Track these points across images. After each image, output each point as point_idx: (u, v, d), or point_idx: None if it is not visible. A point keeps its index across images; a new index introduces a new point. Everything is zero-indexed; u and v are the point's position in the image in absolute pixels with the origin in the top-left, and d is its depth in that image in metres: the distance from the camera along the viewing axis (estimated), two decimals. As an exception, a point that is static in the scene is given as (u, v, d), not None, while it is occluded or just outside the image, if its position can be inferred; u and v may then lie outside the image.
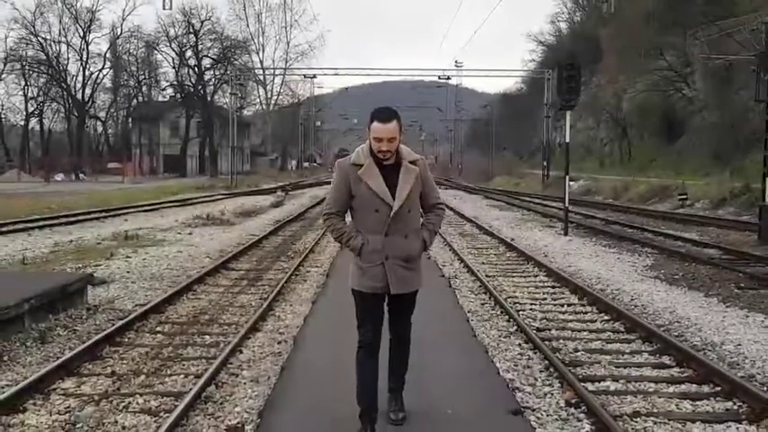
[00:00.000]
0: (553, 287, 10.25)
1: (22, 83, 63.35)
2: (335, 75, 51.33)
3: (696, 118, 42.38)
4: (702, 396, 5.53)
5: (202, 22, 64.31)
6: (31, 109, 65.28)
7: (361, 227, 4.21)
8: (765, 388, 5.65)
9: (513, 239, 15.69)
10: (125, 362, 6.27)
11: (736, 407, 5.27)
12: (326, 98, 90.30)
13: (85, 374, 5.90)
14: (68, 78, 64.65)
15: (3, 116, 66.04)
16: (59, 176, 55.00)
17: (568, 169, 18.32)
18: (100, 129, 75.38)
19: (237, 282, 10.56)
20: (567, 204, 17.69)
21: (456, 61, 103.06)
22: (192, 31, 64.35)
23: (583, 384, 5.58)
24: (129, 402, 5.22)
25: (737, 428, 4.87)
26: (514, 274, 11.41)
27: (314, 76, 61.44)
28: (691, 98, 43.33)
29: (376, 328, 4.33)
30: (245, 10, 78.67)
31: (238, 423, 4.73)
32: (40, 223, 18.68)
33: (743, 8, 33.53)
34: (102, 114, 72.66)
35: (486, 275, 10.96)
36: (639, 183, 34.37)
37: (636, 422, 4.94)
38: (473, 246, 15.08)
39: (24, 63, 61.99)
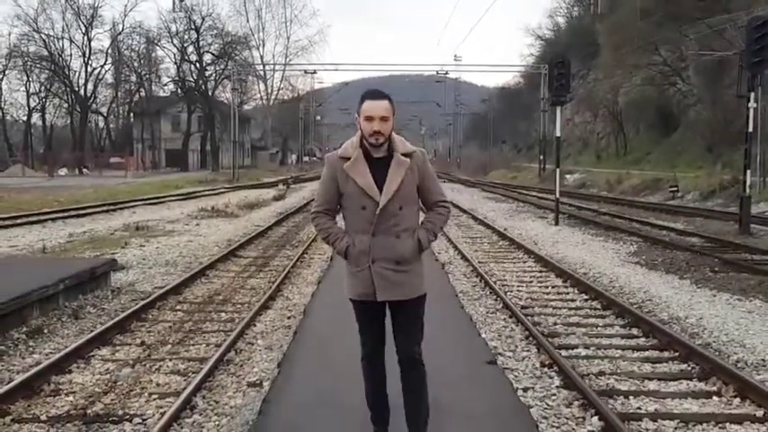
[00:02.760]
0: (540, 272, 11.03)
1: (24, 79, 64.12)
2: (335, 70, 51.94)
3: (690, 112, 43.05)
4: (662, 360, 6.31)
5: (203, 19, 64.95)
6: (33, 104, 66.05)
7: (350, 227, 3.81)
8: (717, 353, 6.43)
9: (505, 229, 16.48)
10: (152, 334, 7.05)
11: (689, 368, 6.05)
12: (326, 92, 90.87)
13: (118, 344, 6.68)
14: (70, 74, 65.34)
15: (5, 112, 66.72)
16: (63, 171, 55.79)
17: (559, 162, 19.15)
18: (101, 124, 76.14)
19: (246, 268, 11.33)
20: (557, 195, 18.50)
21: (455, 55, 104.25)
22: (193, 27, 64.94)
23: (557, 350, 6.35)
24: (160, 366, 6.00)
25: (687, 384, 5.65)
26: (505, 261, 12.18)
27: (314, 72, 62.06)
28: (685, 93, 44.01)
29: (376, 340, 3.93)
30: (245, 6, 79.57)
31: (257, 380, 5.51)
32: (53, 216, 19.44)
33: (737, 4, 34.27)
34: (103, 109, 73.42)
35: (479, 261, 11.73)
36: (633, 175, 35.19)
37: (600, 379, 5.72)
38: (468, 235, 15.85)
39: (26, 59, 62.63)
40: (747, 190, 16.45)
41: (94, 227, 17.22)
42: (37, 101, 66.25)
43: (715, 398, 5.32)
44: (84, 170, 57.65)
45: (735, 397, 5.28)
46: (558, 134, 19.39)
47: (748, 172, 16.54)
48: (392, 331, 3.90)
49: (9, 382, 5.28)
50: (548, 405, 5.04)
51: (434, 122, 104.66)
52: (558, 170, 18.95)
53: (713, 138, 36.44)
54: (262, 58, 76.91)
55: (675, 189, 28.28)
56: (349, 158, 3.74)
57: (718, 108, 35.67)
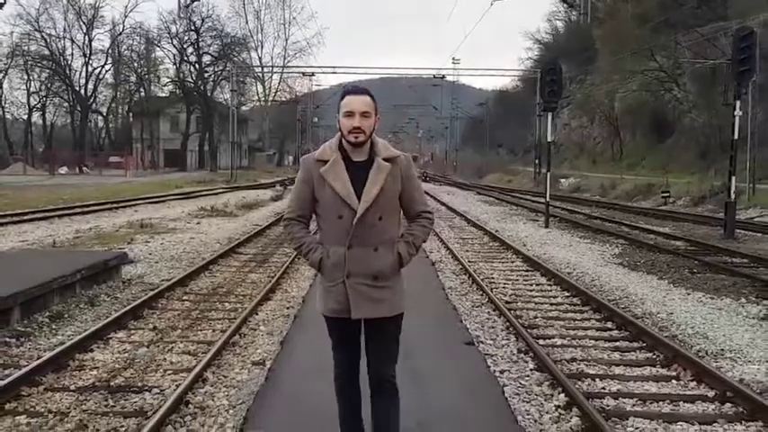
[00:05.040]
0: (527, 271, 11.61)
1: (25, 78, 64.70)
2: (333, 73, 52.46)
3: (685, 118, 43.76)
4: (631, 349, 6.91)
5: (203, 20, 65.53)
6: (33, 103, 66.56)
7: (325, 237, 3.51)
8: (682, 343, 7.03)
9: (497, 231, 17.08)
10: (162, 320, 7.64)
11: (654, 356, 6.64)
12: (324, 94, 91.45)
13: (133, 328, 7.26)
14: (71, 74, 65.86)
15: (6, 110, 67.27)
16: (63, 170, 56.26)
17: (550, 166, 19.76)
18: (101, 123, 76.74)
19: (247, 263, 11.91)
20: (547, 198, 19.14)
21: (453, 58, 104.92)
22: (192, 28, 65.52)
23: (535, 340, 6.94)
24: (173, 347, 6.59)
25: (650, 370, 6.25)
26: (494, 260, 12.78)
27: (312, 74, 62.54)
28: (680, 99, 44.71)
29: (351, 358, 3.65)
30: (244, 7, 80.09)
31: (260, 359, 6.11)
32: (59, 213, 20.01)
33: (732, 12, 34.98)
34: (103, 109, 74.07)
35: (469, 261, 12.31)
36: (627, 180, 35.87)
37: (571, 364, 6.31)
38: (459, 236, 16.44)
39: (28, 58, 63.16)
40: (732, 196, 17.03)
41: (99, 224, 17.75)
42: (37, 100, 66.87)
43: (674, 381, 5.91)
44: (85, 169, 58.15)
45: (691, 380, 5.88)
46: (550, 139, 20.02)
47: (733, 178, 17.12)
48: (365, 350, 3.62)
49: (39, 358, 5.85)
50: (521, 384, 5.63)
51: (431, 125, 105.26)
52: (548, 174, 19.57)
53: (707, 144, 37.16)
54: (260, 59, 77.69)
55: (667, 194, 28.94)
56: (326, 161, 3.44)
57: (712, 115, 36.38)
